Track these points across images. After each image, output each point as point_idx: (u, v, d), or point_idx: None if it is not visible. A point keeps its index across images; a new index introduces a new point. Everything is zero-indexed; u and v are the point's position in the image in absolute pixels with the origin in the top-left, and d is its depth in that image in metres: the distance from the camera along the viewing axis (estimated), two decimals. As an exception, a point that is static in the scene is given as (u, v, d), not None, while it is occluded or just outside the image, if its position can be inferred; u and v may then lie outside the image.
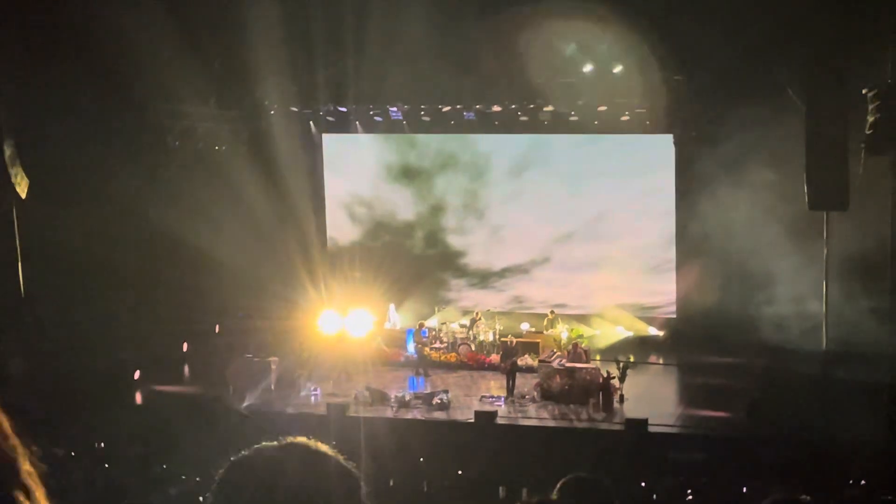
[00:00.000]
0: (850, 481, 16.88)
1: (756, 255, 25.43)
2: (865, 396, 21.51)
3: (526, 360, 25.82)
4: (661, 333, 29.02)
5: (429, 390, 24.21)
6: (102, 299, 25.97)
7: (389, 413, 22.94)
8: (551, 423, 22.42)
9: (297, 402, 24.06)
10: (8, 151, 23.91)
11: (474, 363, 27.02)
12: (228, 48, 26.21)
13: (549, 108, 27.96)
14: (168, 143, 28.40)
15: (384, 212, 31.72)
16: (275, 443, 2.50)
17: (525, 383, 24.50)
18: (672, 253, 28.92)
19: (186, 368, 27.50)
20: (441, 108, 28.91)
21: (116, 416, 22.06)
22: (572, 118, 28.17)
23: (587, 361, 24.78)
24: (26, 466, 2.44)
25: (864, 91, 21.23)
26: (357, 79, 27.58)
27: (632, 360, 25.93)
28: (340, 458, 2.51)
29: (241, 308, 28.96)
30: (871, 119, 20.89)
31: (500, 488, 17.51)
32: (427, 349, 27.04)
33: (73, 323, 26.07)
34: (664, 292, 29.26)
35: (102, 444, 19.92)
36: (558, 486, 4.49)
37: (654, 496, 16.93)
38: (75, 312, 26.05)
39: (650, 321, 29.25)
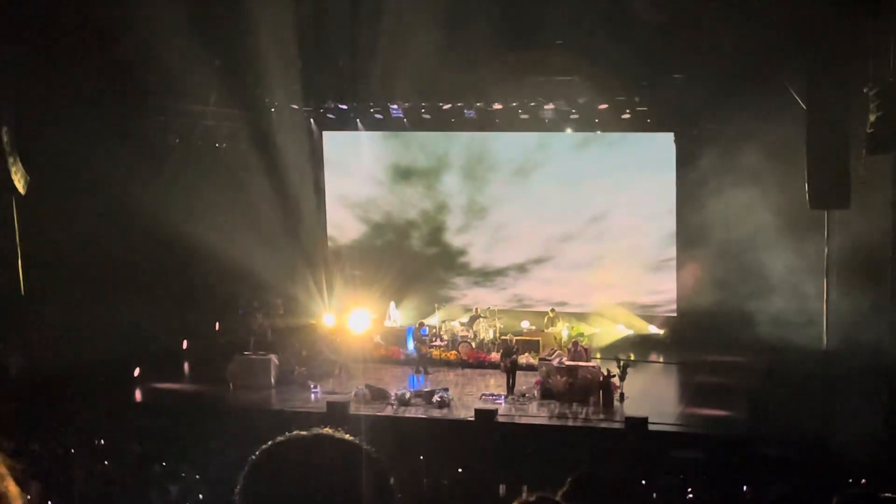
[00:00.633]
0: (851, 479, 16.86)
1: (756, 253, 25.42)
2: (866, 394, 21.51)
3: (526, 358, 25.81)
4: (661, 332, 29.03)
5: (429, 388, 24.19)
6: (102, 297, 25.93)
7: (390, 411, 22.93)
8: (551, 422, 22.40)
9: (297, 399, 24.04)
10: (7, 148, 23.88)
11: (474, 361, 27.01)
12: (229, 46, 26.18)
13: (550, 106, 27.95)
14: (168, 141, 28.37)
15: (385, 210, 31.71)
16: (304, 432, 2.51)
17: (525, 381, 24.49)
18: (672, 251, 28.91)
19: (186, 366, 27.50)
20: (442, 106, 28.89)
21: (116, 414, 22.07)
22: (573, 116, 28.16)
23: (587, 360, 24.76)
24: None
25: (865, 89, 21.20)
26: (358, 76, 27.55)
27: (632, 358, 25.90)
28: (368, 448, 2.51)
29: (240, 306, 28.93)
30: (872, 117, 20.85)
31: (501, 486, 17.50)
32: (427, 347, 27.03)
33: (72, 320, 26.04)
34: (664, 291, 29.25)
35: (102, 442, 19.92)
36: (569, 480, 4.47)
37: (654, 495, 16.92)
38: (75, 310, 26.01)
39: (650, 319, 29.26)
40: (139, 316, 26.94)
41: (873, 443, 19.24)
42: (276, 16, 25.64)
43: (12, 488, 2.43)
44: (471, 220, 30.94)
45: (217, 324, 29.36)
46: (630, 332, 28.94)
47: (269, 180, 29.65)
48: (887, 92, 20.55)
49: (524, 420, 22.51)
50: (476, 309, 28.82)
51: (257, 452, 2.49)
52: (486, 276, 31.15)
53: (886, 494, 4.55)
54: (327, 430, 2.53)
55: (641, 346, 28.17)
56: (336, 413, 21.71)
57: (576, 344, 25.27)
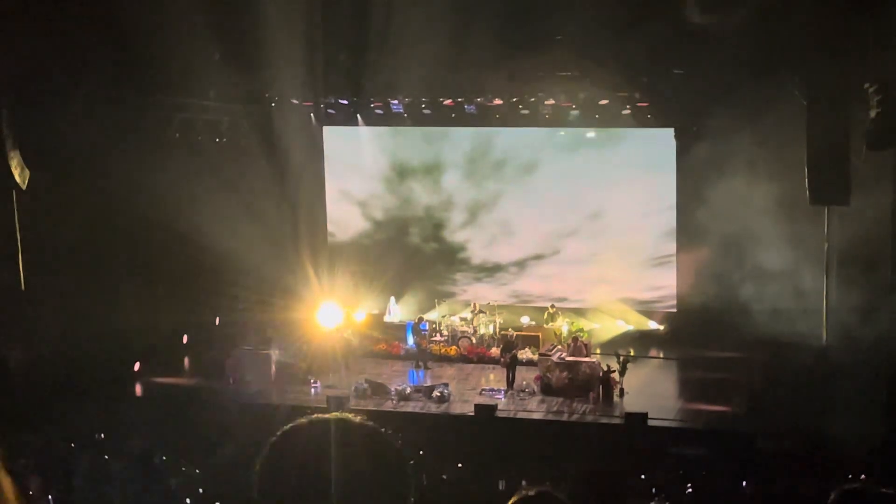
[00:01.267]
0: (850, 475, 16.89)
1: (756, 249, 25.42)
2: (865, 390, 21.54)
3: (526, 353, 25.85)
4: (661, 327, 29.04)
5: (429, 383, 24.23)
6: (102, 291, 25.96)
7: (389, 406, 22.97)
8: (551, 417, 22.45)
9: (297, 394, 24.07)
10: (8, 143, 23.89)
11: (474, 356, 27.04)
12: (229, 40, 26.16)
13: (551, 101, 27.95)
14: (168, 135, 28.36)
15: (385, 205, 31.68)
16: (326, 415, 2.53)
17: (525, 377, 24.52)
18: (672, 247, 28.91)
19: (186, 360, 27.52)
20: (442, 102, 28.88)
21: (117, 408, 22.10)
22: (574, 112, 28.15)
23: (587, 355, 24.80)
24: None
25: (865, 86, 21.20)
26: (358, 71, 27.54)
27: (632, 354, 25.91)
28: (390, 436, 2.54)
29: (240, 300, 28.94)
30: (872, 114, 20.86)
31: (500, 481, 17.52)
32: (427, 342, 27.05)
33: (72, 315, 26.07)
34: (664, 286, 29.25)
35: (102, 436, 19.94)
36: (568, 475, 4.51)
37: (654, 490, 16.95)
38: (75, 304, 26.04)
39: (650, 315, 29.26)
40: (139, 310, 26.99)
41: (872, 438, 19.28)
42: (276, 10, 25.63)
43: (5, 482, 2.45)
44: (471, 216, 30.93)
45: (217, 318, 29.36)
46: (630, 327, 28.95)
47: (269, 175, 29.65)
48: (888, 88, 20.56)
49: (524, 415, 22.55)
50: (476, 304, 28.83)
51: (278, 433, 2.51)
52: (486, 271, 31.14)
53: (885, 490, 4.57)
54: (348, 415, 2.55)
55: (641, 341, 28.19)
56: (335, 408, 21.73)
57: (576, 339, 25.30)
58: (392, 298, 29.59)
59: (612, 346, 26.29)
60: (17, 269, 25.66)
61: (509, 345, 24.95)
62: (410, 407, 22.97)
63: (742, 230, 25.68)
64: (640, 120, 27.88)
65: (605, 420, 22.31)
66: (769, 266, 25.18)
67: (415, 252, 31.42)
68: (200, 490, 15.80)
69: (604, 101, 27.50)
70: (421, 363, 26.38)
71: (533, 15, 24.98)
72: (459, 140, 30.55)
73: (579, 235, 29.78)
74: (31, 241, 25.43)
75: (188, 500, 15.18)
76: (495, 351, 26.50)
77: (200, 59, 26.26)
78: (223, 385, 24.76)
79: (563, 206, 29.81)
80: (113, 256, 26.28)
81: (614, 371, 23.56)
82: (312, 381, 24.66)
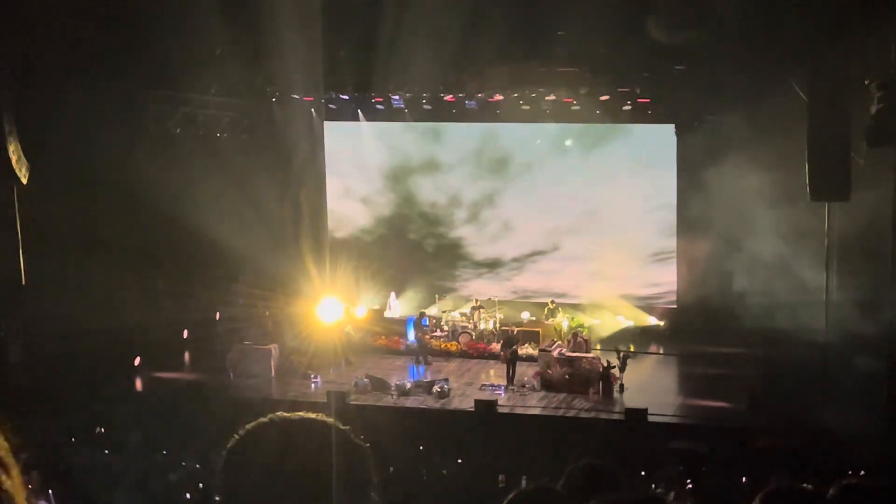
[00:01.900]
0: (850, 471, 16.89)
1: (757, 245, 25.40)
2: (865, 386, 21.54)
3: (526, 349, 25.86)
4: (661, 323, 29.06)
5: (429, 378, 24.26)
6: (102, 286, 25.95)
7: (389, 401, 22.99)
8: (551, 412, 22.46)
9: (297, 389, 24.09)
10: (8, 137, 23.86)
11: (475, 352, 27.06)
12: (230, 34, 26.13)
13: (552, 97, 27.94)
14: (169, 130, 28.36)
15: (385, 200, 31.70)
16: (286, 414, 2.53)
17: (525, 372, 24.54)
18: (672, 243, 28.93)
19: (186, 355, 27.53)
20: (443, 97, 28.88)
21: (116, 403, 22.10)
22: (574, 107, 28.13)
23: (587, 351, 24.83)
24: (1, 442, 2.45)
25: (866, 82, 21.17)
26: (359, 67, 27.53)
27: (632, 349, 25.95)
28: (349, 431, 2.53)
29: (241, 295, 28.94)
30: (873, 109, 20.82)
31: (500, 476, 17.52)
32: (428, 337, 27.06)
33: (73, 309, 26.06)
34: (665, 282, 29.27)
35: (102, 430, 19.95)
36: (568, 471, 4.50)
37: (653, 485, 16.94)
38: (76, 299, 26.04)
39: (650, 311, 29.29)
40: (140, 305, 26.98)
41: (872, 434, 19.28)
42: (277, 4, 25.61)
43: (16, 479, 2.45)
44: (471, 212, 30.94)
45: (218, 313, 29.37)
46: (630, 323, 28.97)
47: (270, 170, 29.66)
48: (889, 84, 20.52)
49: (524, 411, 22.56)
50: (476, 300, 28.84)
51: (239, 433, 2.52)
52: (487, 267, 31.15)
53: (885, 485, 4.56)
54: (311, 414, 2.55)
55: (641, 337, 28.21)
56: (336, 403, 21.75)
57: (576, 335, 25.32)
58: (392, 294, 29.60)
59: (613, 342, 26.31)
60: (17, 264, 25.66)
61: (509, 340, 24.96)
62: (410, 402, 22.98)
63: (742, 226, 25.67)
64: (641, 116, 27.89)
65: (604, 416, 22.32)
66: (769, 262, 25.17)
67: (415, 247, 31.44)
68: (200, 485, 15.80)
69: (604, 97, 27.50)
70: (421, 358, 26.38)
71: (534, 11, 24.94)
72: (460, 136, 30.56)
73: (579, 231, 29.78)
74: (32, 235, 25.42)
75: (188, 496, 15.18)
76: (495, 346, 26.51)
77: (202, 54, 26.26)
78: (223, 380, 24.76)
79: (564, 202, 29.82)
80: (113, 251, 26.22)
81: (614, 367, 23.58)
82: (313, 376, 24.68)
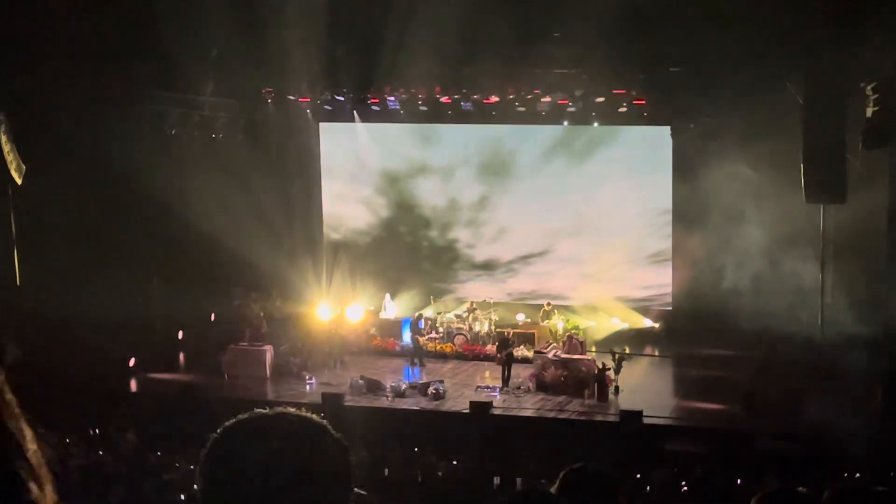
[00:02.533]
0: (845, 473, 16.91)
1: (752, 246, 25.43)
2: (861, 388, 21.56)
3: (521, 350, 25.84)
4: (656, 325, 29.07)
5: (424, 380, 24.22)
6: (96, 287, 25.91)
7: (384, 402, 22.96)
8: (546, 414, 22.43)
9: (292, 390, 24.06)
10: (4, 138, 23.84)
11: (470, 353, 27.05)
12: (226, 36, 26.12)
13: (547, 98, 27.94)
14: (164, 131, 28.34)
15: (380, 201, 31.69)
16: (265, 410, 2.51)
17: (520, 374, 24.53)
18: (668, 245, 28.94)
19: (181, 356, 27.49)
20: (438, 98, 28.87)
21: (111, 404, 22.08)
22: (570, 109, 28.13)
23: (583, 353, 24.85)
24: (32, 447, 2.44)
25: (862, 84, 21.20)
26: (355, 68, 27.54)
27: (627, 351, 25.95)
28: (330, 428, 2.52)
29: (236, 296, 28.92)
30: (869, 112, 20.85)
31: (495, 478, 17.53)
32: (423, 339, 27.05)
33: (67, 310, 26.03)
34: (660, 284, 29.28)
35: (97, 431, 19.92)
36: (561, 475, 4.48)
37: (649, 487, 16.95)
38: (70, 299, 26.00)
39: (645, 313, 29.30)
40: (134, 306, 26.94)
41: (867, 436, 19.29)
42: (272, 5, 25.60)
43: (49, 496, 2.45)
44: (467, 213, 30.94)
45: (212, 314, 29.34)
46: (625, 325, 28.98)
47: (264, 171, 29.64)
48: (884, 86, 20.55)
49: (519, 412, 22.54)
50: (472, 302, 28.83)
51: (218, 430, 2.51)
52: (482, 268, 31.15)
53: (879, 488, 4.56)
54: (291, 409, 2.53)
55: (636, 339, 28.22)
56: (331, 404, 21.74)
57: (571, 337, 25.35)
58: (387, 295, 29.56)
59: (608, 344, 26.30)
60: (12, 264, 25.64)
61: (505, 342, 24.94)
62: (405, 404, 22.96)
63: (738, 228, 25.69)
64: (637, 118, 27.88)
65: (600, 418, 22.31)
66: (765, 264, 25.20)
67: (410, 249, 31.44)
68: (195, 486, 15.78)
69: (600, 99, 27.50)
70: (416, 360, 26.37)
71: (530, 12, 24.95)
72: (456, 138, 30.55)
73: (574, 233, 29.79)
74: (26, 236, 25.40)
75: (182, 497, 15.15)
76: (491, 348, 26.49)
77: (198, 55, 26.25)
78: (218, 381, 24.73)
79: (559, 204, 29.82)
80: (108, 252, 26.22)
81: (609, 369, 23.57)
82: (308, 377, 24.67)
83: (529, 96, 28.04)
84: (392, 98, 29.22)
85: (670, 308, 29.07)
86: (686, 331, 27.53)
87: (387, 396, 23.19)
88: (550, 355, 24.40)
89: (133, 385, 24.89)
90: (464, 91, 28.44)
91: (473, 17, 24.29)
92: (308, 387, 24.24)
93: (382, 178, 31.47)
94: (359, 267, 30.79)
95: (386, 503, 14.40)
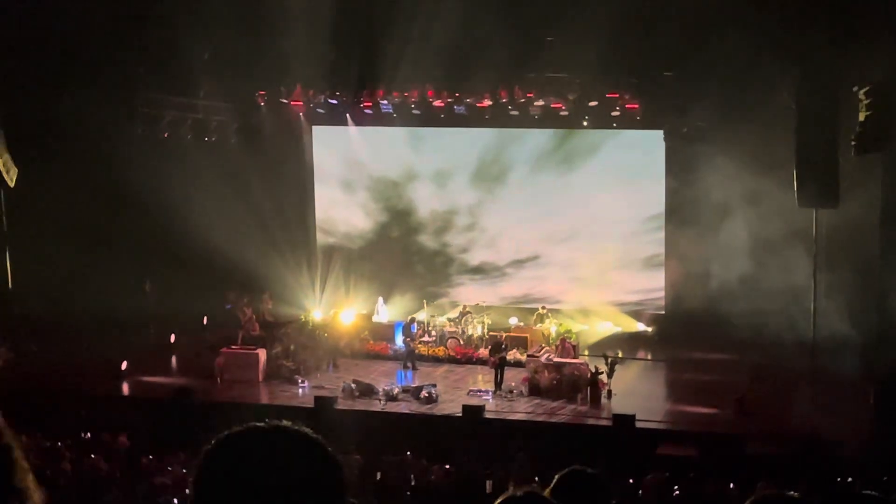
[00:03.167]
0: (838, 477, 16.93)
1: (745, 250, 25.46)
2: (854, 393, 21.58)
3: (514, 354, 25.82)
4: (649, 329, 29.08)
5: (416, 384, 24.19)
6: (89, 290, 25.89)
7: (377, 406, 22.93)
8: (539, 418, 22.42)
9: (285, 394, 24.03)
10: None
11: (462, 357, 27.01)
12: (218, 39, 26.13)
13: (540, 102, 27.94)
14: (157, 134, 28.31)
15: (374, 205, 31.67)
16: (262, 423, 2.49)
17: (513, 378, 24.50)
18: (661, 249, 28.95)
19: (173, 360, 27.45)
20: (431, 102, 28.86)
21: (103, 407, 22.03)
22: (563, 113, 28.14)
23: (575, 357, 24.82)
24: (20, 457, 2.43)
25: (854, 89, 21.24)
26: (347, 72, 27.56)
27: (620, 355, 25.91)
28: (324, 442, 2.50)
29: (228, 300, 28.88)
30: (861, 117, 20.89)
31: (487, 482, 17.51)
32: (415, 343, 27.02)
33: (60, 313, 26.01)
34: (653, 288, 29.29)
35: (89, 435, 19.88)
36: (556, 478, 4.48)
37: (641, 492, 16.95)
38: (62, 302, 25.98)
39: (638, 317, 29.31)
40: (127, 309, 26.92)
41: (859, 441, 19.31)
42: (265, 9, 25.61)
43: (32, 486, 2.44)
44: (460, 217, 30.92)
45: (205, 318, 29.30)
46: (618, 329, 28.99)
47: (257, 174, 29.62)
48: (876, 92, 20.59)
49: (511, 416, 22.53)
50: (464, 305, 28.81)
51: (212, 443, 2.48)
52: (475, 272, 31.14)
53: (870, 492, 4.55)
54: (286, 423, 2.51)
55: (629, 343, 28.20)
56: (323, 408, 21.72)
57: (564, 341, 25.31)
58: (380, 299, 29.53)
59: (601, 348, 26.28)
60: (4, 268, 25.62)
61: (497, 346, 24.92)
62: (398, 407, 22.93)
63: (730, 232, 25.71)
64: (630, 122, 27.90)
65: (592, 421, 22.29)
66: (757, 268, 25.23)
67: (403, 252, 31.42)
68: (187, 490, 15.76)
69: (593, 103, 27.52)
70: (409, 364, 26.34)
71: (524, 17, 24.97)
72: (449, 141, 30.52)
73: (567, 237, 29.79)
74: (18, 239, 25.38)
75: (175, 500, 15.13)
76: (483, 352, 26.47)
77: (191, 58, 26.25)
78: (210, 385, 24.68)
79: (552, 207, 29.81)
80: (99, 255, 26.20)
81: (602, 372, 23.56)
82: (300, 380, 24.62)
83: (522, 100, 28.04)
84: (385, 101, 29.22)
85: (663, 312, 29.08)
86: (679, 335, 27.54)
87: (379, 400, 23.16)
88: (543, 359, 24.39)
89: (125, 388, 24.83)
90: (457, 95, 28.46)
91: (467, 20, 24.34)
92: (300, 390, 24.20)
93: (375, 182, 31.44)
94: (352, 270, 30.76)
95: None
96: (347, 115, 30.43)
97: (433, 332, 27.81)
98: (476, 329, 27.77)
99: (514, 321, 28.85)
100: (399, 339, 27.38)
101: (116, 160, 26.05)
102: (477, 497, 16.55)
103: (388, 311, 29.37)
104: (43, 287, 25.88)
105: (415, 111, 29.33)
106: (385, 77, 27.53)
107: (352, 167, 31.48)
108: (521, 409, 23.00)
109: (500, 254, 30.78)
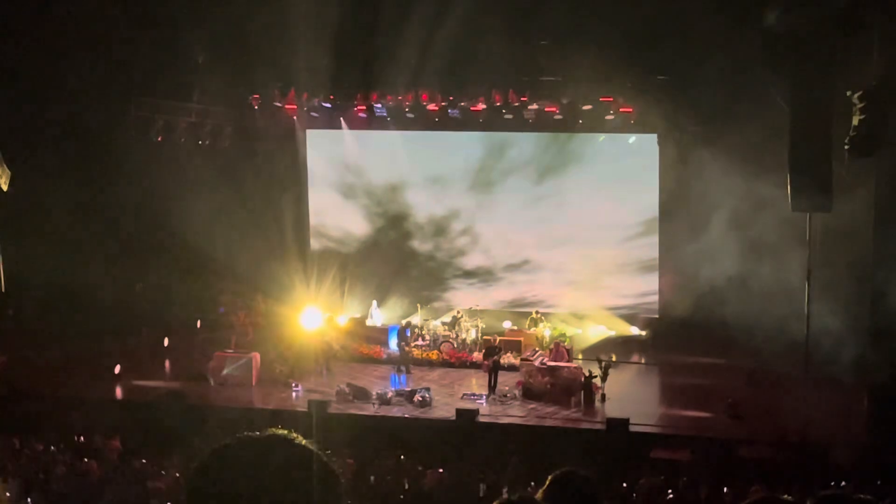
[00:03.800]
0: (832, 481, 16.93)
1: (739, 255, 25.46)
2: (847, 397, 21.59)
3: (508, 358, 25.82)
4: (643, 333, 29.09)
5: (410, 387, 24.19)
6: (83, 294, 25.87)
7: (371, 410, 22.91)
8: (532, 422, 22.42)
9: (279, 397, 24.01)
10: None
11: (456, 361, 27.02)
12: (212, 43, 26.13)
13: (534, 106, 27.96)
14: (151, 138, 28.29)
15: (367, 209, 31.66)
16: (256, 433, 2.47)
17: (507, 382, 24.49)
18: (655, 253, 28.97)
19: (167, 363, 27.42)
20: (426, 106, 28.86)
21: (97, 411, 22.00)
22: (557, 117, 28.16)
23: (569, 360, 24.83)
24: None
25: (848, 93, 21.25)
26: (341, 75, 27.56)
27: (614, 359, 25.95)
28: (320, 451, 2.48)
29: (222, 303, 28.87)
30: (855, 121, 20.89)
31: (481, 486, 17.49)
32: (409, 346, 27.01)
33: (53, 317, 25.98)
34: (647, 292, 29.31)
35: (82, 438, 19.85)
36: (549, 479, 4.48)
37: (635, 495, 16.94)
38: (55, 307, 25.95)
39: (632, 321, 29.32)
40: (120, 313, 26.89)
41: (854, 444, 19.32)
42: (259, 13, 25.60)
43: None
44: (454, 221, 30.92)
45: (198, 321, 29.28)
46: (612, 333, 28.99)
47: (251, 178, 29.60)
48: (870, 96, 20.60)
49: (505, 420, 22.52)
50: (458, 309, 28.81)
51: (206, 452, 2.46)
52: (469, 276, 31.14)
53: (863, 496, 4.56)
54: (281, 432, 2.49)
55: (623, 347, 28.22)
56: (317, 411, 21.70)
57: (557, 344, 25.34)
58: (374, 302, 29.53)
59: (594, 352, 26.28)
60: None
61: (491, 350, 24.93)
62: (392, 411, 22.91)
63: (724, 236, 25.71)
64: (624, 125, 27.92)
65: (586, 425, 22.30)
66: (751, 272, 25.23)
67: (398, 256, 31.40)
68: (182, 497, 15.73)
69: (587, 107, 27.54)
70: (402, 367, 26.33)
71: (518, 21, 25.00)
72: (445, 146, 30.52)
73: (561, 241, 29.81)
74: (12, 243, 25.33)
75: (168, 504, 15.10)
76: (477, 356, 26.48)
77: (184, 62, 26.24)
78: (204, 388, 24.65)
79: (546, 211, 29.84)
80: (94, 259, 26.17)
81: (596, 376, 23.57)
82: (294, 384, 24.60)
83: (517, 104, 28.06)
84: (379, 105, 29.24)
85: (657, 316, 29.11)
86: (672, 338, 27.56)
87: (373, 404, 23.15)
88: (537, 363, 24.39)
89: (118, 392, 24.80)
90: (451, 98, 28.46)
91: (461, 24, 24.34)
92: (294, 394, 24.19)
93: (369, 186, 31.43)
94: (345, 274, 30.74)
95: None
96: (341, 118, 30.43)
97: (427, 336, 27.81)
98: (470, 333, 27.79)
99: (507, 325, 28.86)
100: (393, 343, 27.38)
101: (110, 164, 26.04)
102: (471, 501, 16.55)
103: (382, 315, 29.37)
104: (36, 291, 25.84)
105: (409, 115, 29.34)
106: (379, 80, 27.53)
107: (346, 171, 31.48)
108: (515, 413, 23.00)
109: (493, 257, 30.79)
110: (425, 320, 28.88)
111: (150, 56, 26.03)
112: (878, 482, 16.85)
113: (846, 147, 21.31)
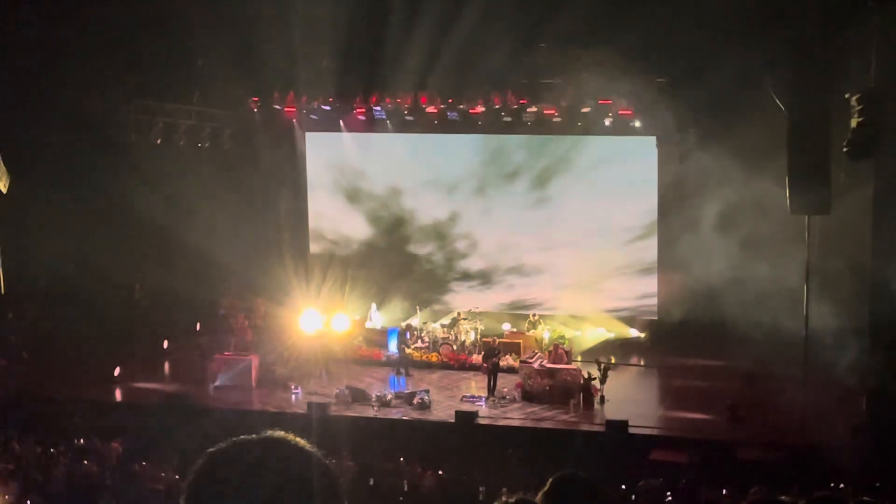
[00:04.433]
0: (831, 483, 16.93)
1: (738, 257, 25.46)
2: (846, 399, 21.59)
3: (507, 360, 25.83)
4: (642, 335, 29.08)
5: (410, 390, 24.21)
6: (83, 296, 25.88)
7: (370, 412, 22.92)
8: (532, 424, 22.43)
9: (278, 400, 24.01)
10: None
11: (455, 363, 27.02)
12: (212, 45, 26.13)
13: (533, 109, 27.96)
14: (151, 140, 28.30)
15: (367, 212, 31.66)
16: (254, 436, 2.47)
17: (506, 384, 24.50)
18: (654, 255, 28.96)
19: (166, 366, 27.42)
20: (425, 109, 28.87)
21: (96, 413, 22.01)
22: (556, 119, 28.15)
23: (568, 363, 24.83)
24: None
25: (846, 95, 21.26)
26: (341, 78, 27.57)
27: (613, 361, 25.95)
28: (319, 454, 2.48)
29: (221, 306, 28.87)
30: (853, 123, 20.90)
31: (480, 488, 17.51)
32: (408, 349, 27.02)
33: (53, 319, 25.98)
34: (646, 294, 29.29)
35: (82, 441, 19.86)
36: (550, 481, 4.49)
37: (634, 497, 16.96)
38: (55, 308, 25.96)
39: (631, 323, 29.32)
40: (120, 315, 26.90)
41: (852, 446, 19.32)
42: (258, 15, 25.62)
43: None
44: (453, 224, 30.91)
45: (198, 324, 29.28)
46: (611, 335, 28.98)
47: (250, 180, 29.60)
48: (868, 98, 20.61)
49: (504, 422, 22.53)
50: (458, 311, 28.82)
51: (204, 456, 2.46)
52: (468, 278, 31.13)
53: (865, 499, 4.58)
54: (280, 434, 2.49)
55: (622, 349, 28.22)
56: (317, 414, 21.71)
57: (556, 346, 25.33)
58: (374, 305, 29.53)
59: (593, 354, 26.29)
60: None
61: (490, 352, 24.94)
62: (391, 413, 22.93)
63: (723, 238, 25.71)
64: (623, 128, 27.92)
65: (585, 427, 22.32)
66: (750, 275, 25.22)
67: (397, 258, 31.38)
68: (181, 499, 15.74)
69: (586, 109, 27.54)
70: (402, 369, 26.33)
71: (516, 23, 25.00)
72: (444, 148, 30.53)
73: (561, 244, 29.78)
74: (10, 245, 25.34)
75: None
76: (476, 358, 26.48)
77: (184, 65, 26.24)
78: (204, 390, 24.66)
79: (546, 214, 29.83)
80: (93, 261, 26.18)
81: (595, 378, 23.58)
82: (293, 387, 24.60)
83: (515, 106, 28.06)
84: (378, 108, 29.24)
85: (656, 318, 29.10)
86: (672, 341, 27.56)
87: (372, 406, 23.16)
88: (536, 365, 24.40)
89: (118, 394, 24.81)
90: (450, 101, 28.46)
91: (460, 27, 24.35)
92: (294, 396, 24.19)
93: (369, 188, 31.43)
94: (345, 277, 30.73)
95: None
96: (341, 121, 30.44)
97: (426, 338, 27.82)
98: (469, 335, 27.79)
99: (507, 327, 28.86)
100: (392, 345, 27.38)
101: (109, 166, 26.02)
102: (469, 503, 16.56)
103: (381, 317, 29.38)
104: (35, 293, 25.84)
105: (408, 117, 29.34)
106: (378, 83, 27.54)
107: (345, 173, 31.48)
108: (514, 415, 23.01)
109: (492, 260, 30.77)
110: (424, 322, 28.89)
111: (151, 58, 26.04)
112: (877, 484, 16.85)
113: (845, 149, 21.32)
